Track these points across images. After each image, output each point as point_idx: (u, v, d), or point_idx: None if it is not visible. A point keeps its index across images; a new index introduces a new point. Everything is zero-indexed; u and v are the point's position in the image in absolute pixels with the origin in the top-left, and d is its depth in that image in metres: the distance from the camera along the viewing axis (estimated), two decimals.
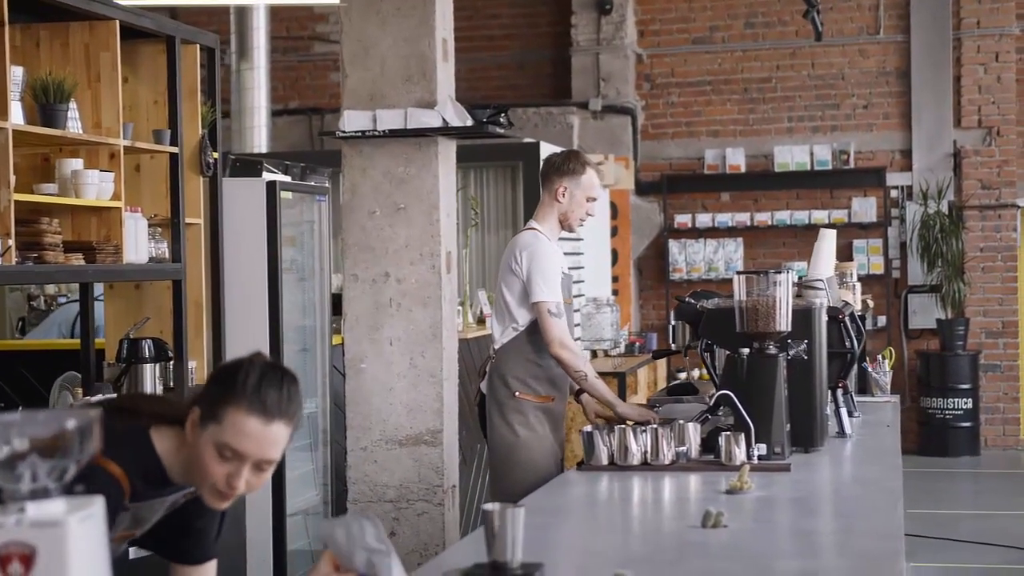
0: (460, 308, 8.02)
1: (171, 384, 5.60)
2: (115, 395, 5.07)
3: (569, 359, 5.05)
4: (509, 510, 2.76)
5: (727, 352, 4.58)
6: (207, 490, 2.62)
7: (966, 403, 12.15)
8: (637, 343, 10.97)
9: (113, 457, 2.56)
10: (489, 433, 5.24)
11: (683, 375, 11.95)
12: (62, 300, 9.19)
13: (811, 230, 12.47)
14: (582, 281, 10.39)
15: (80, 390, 5.45)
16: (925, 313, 12.48)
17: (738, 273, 4.50)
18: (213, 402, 2.58)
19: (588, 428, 4.38)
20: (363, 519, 2.61)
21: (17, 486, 1.79)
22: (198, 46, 5.89)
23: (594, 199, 5.29)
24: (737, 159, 12.74)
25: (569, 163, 5.27)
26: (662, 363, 11.31)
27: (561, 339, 5.02)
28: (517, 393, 5.15)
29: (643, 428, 4.32)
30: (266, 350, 6.28)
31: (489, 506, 2.76)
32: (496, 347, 5.24)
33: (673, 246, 12.82)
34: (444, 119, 5.89)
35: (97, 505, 1.83)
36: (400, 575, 2.62)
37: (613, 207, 12.30)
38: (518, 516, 2.76)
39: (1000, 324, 12.51)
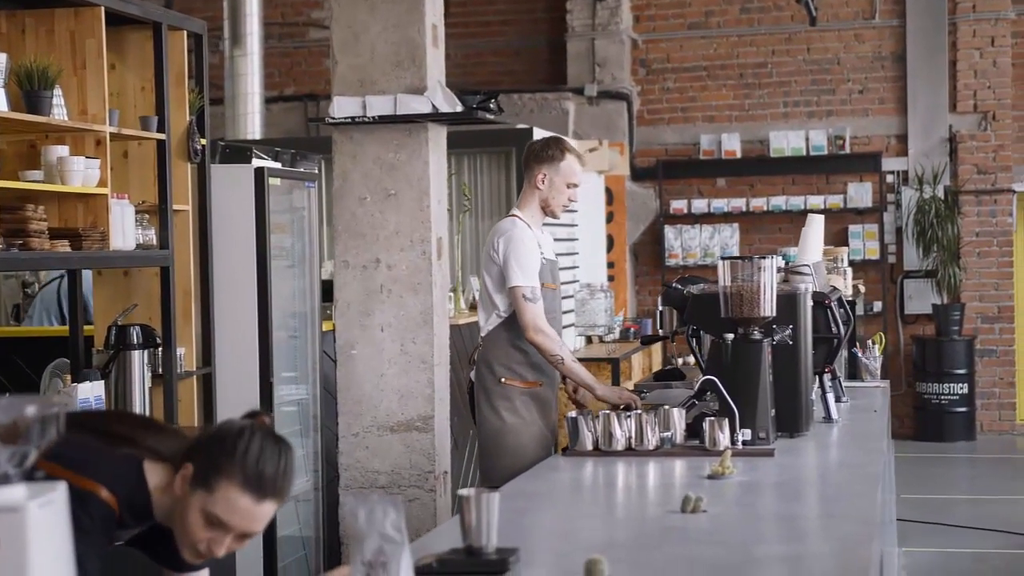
0: (452, 294, 8.02)
1: (159, 371, 5.60)
2: (114, 411, 5.00)
3: (544, 343, 5.05)
4: (484, 495, 2.77)
5: (712, 337, 4.58)
6: (186, 547, 2.62)
7: (962, 388, 12.15)
8: (632, 329, 10.97)
9: (105, 483, 2.56)
10: (477, 420, 5.26)
11: (679, 361, 11.96)
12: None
13: (807, 216, 12.43)
14: (576, 267, 10.39)
15: (68, 376, 5.45)
16: (921, 298, 12.47)
17: (723, 258, 4.50)
18: (208, 466, 2.57)
19: (573, 414, 4.38)
20: (388, 504, 2.61)
21: None
22: (185, 32, 5.88)
23: (575, 185, 5.29)
24: (733, 144, 12.73)
25: (548, 150, 5.27)
26: (657, 349, 11.32)
27: (535, 324, 5.04)
28: (503, 379, 5.17)
29: (628, 414, 4.32)
30: (256, 336, 6.33)
31: (464, 491, 2.77)
32: (482, 334, 5.27)
33: (669, 232, 12.82)
34: (434, 105, 5.89)
35: (59, 491, 1.84)
36: (408, 568, 2.62)
37: (609, 193, 12.30)
38: (493, 501, 2.77)
39: (996, 309, 12.51)
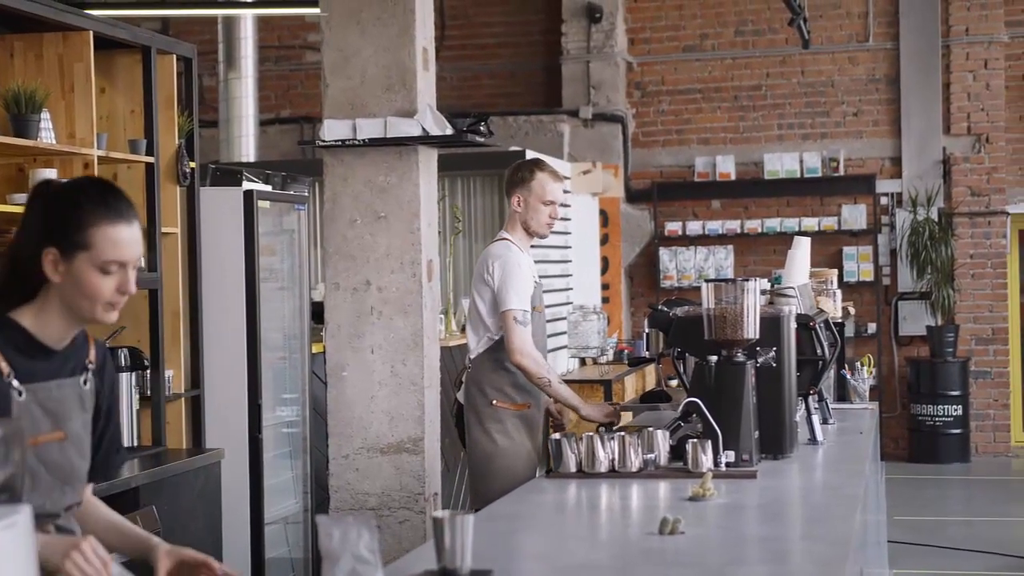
0: (443, 316, 8.04)
1: (148, 393, 5.61)
2: None
3: (530, 367, 5.09)
4: (458, 518, 2.78)
5: (696, 359, 4.60)
6: (99, 309, 2.68)
7: (956, 410, 12.15)
8: (627, 351, 10.97)
9: None
10: (468, 442, 5.28)
11: (674, 382, 11.96)
12: None
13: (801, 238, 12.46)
14: (570, 289, 10.41)
15: None
16: (915, 320, 12.49)
17: (706, 281, 4.51)
18: (69, 235, 2.64)
19: (556, 436, 4.39)
20: (363, 526, 2.63)
21: None
22: (175, 56, 5.91)
23: (551, 202, 5.33)
24: (727, 167, 12.76)
25: (519, 172, 5.39)
26: (651, 370, 11.32)
27: (521, 348, 5.07)
28: (494, 402, 5.20)
29: (611, 435, 4.33)
30: (244, 358, 6.34)
31: (438, 514, 2.78)
32: (472, 356, 5.30)
33: (664, 254, 12.84)
34: (424, 128, 5.91)
35: (23, 514, 1.85)
36: None
37: (604, 215, 12.33)
38: (467, 523, 2.78)
39: (990, 331, 12.52)
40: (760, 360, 4.49)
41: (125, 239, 2.67)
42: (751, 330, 4.43)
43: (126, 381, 5.46)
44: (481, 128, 6.30)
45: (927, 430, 12.14)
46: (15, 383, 2.66)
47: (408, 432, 5.89)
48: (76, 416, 2.77)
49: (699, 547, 3.21)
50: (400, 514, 5.72)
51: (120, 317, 5.69)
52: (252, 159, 10.23)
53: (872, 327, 12.44)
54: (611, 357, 10.50)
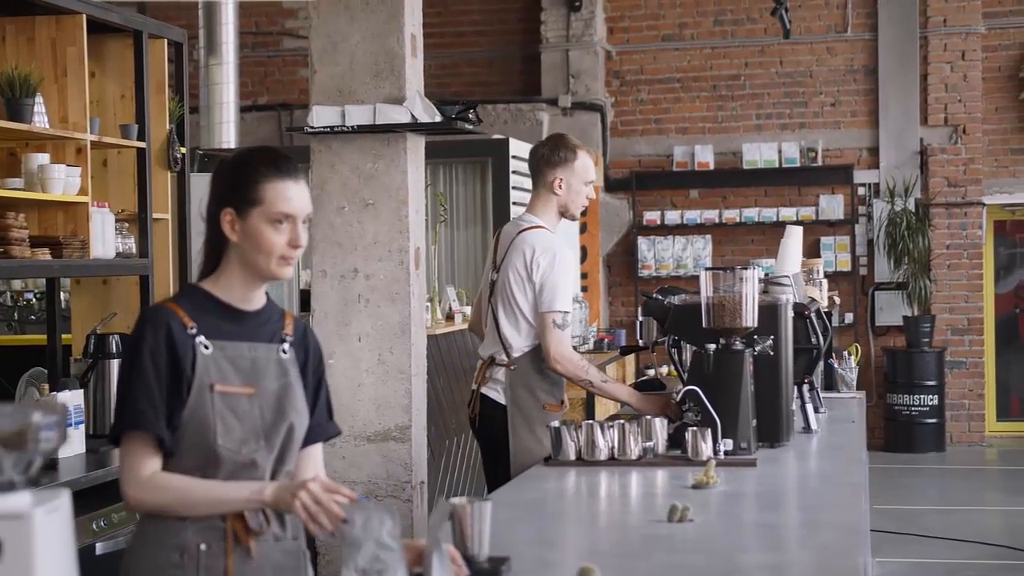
0: (428, 304, 8.02)
1: None
2: None
3: (569, 370, 4.83)
4: (476, 504, 2.77)
5: (694, 348, 4.60)
6: (273, 263, 2.86)
7: (932, 399, 12.23)
8: (606, 340, 10.99)
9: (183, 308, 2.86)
10: (514, 445, 4.97)
11: (651, 371, 11.99)
12: (28, 296, 9.14)
13: (779, 227, 12.47)
14: None
15: (46, 386, 5.42)
16: (892, 310, 12.55)
17: (705, 269, 4.52)
18: (242, 193, 2.84)
19: (555, 423, 4.38)
20: (385, 513, 2.63)
21: None
22: (166, 41, 5.87)
23: (591, 182, 5.07)
24: (706, 156, 12.79)
25: (559, 152, 5.02)
26: (631, 359, 11.35)
27: (558, 351, 4.81)
28: (546, 405, 4.97)
29: (610, 424, 4.32)
30: None
31: (456, 500, 2.77)
32: (515, 354, 4.97)
33: (642, 243, 12.86)
34: (413, 115, 5.89)
35: (63, 498, 1.83)
36: None
37: None
38: (485, 510, 2.77)
39: (966, 321, 12.60)
40: (758, 348, 4.49)
41: (294, 194, 2.86)
42: (750, 318, 4.44)
43: (117, 368, 5.42)
44: (470, 115, 6.29)
45: (903, 419, 12.21)
46: (201, 338, 2.83)
47: (395, 420, 5.88)
48: (271, 379, 2.91)
49: (710, 534, 3.22)
50: (387, 502, 5.72)
51: (110, 303, 5.69)
52: (233, 145, 10.16)
53: (849, 317, 12.51)
54: (591, 346, 10.51)
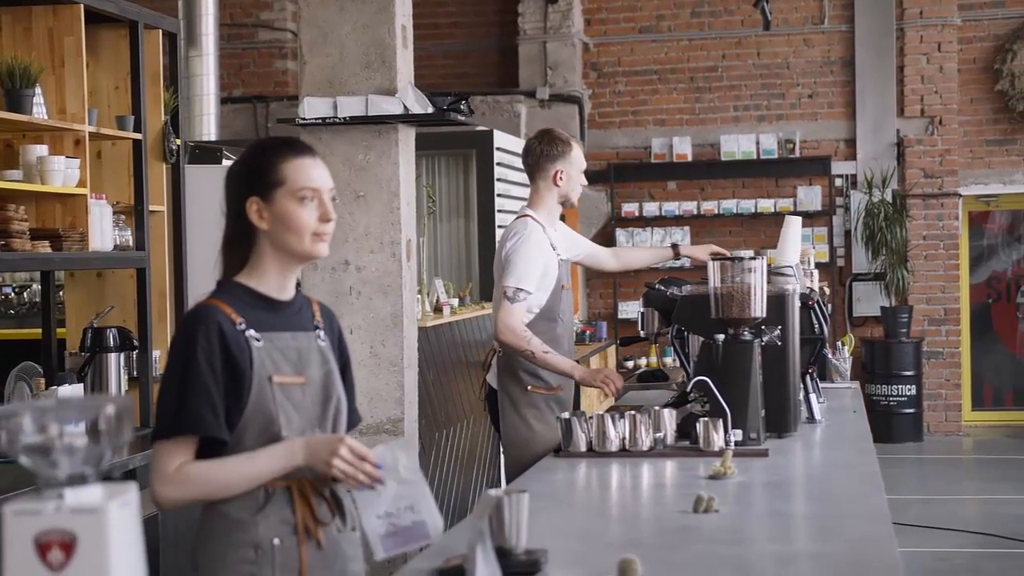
0: (418, 296, 7.99)
1: (135, 374, 5.53)
2: None
3: (511, 341, 4.97)
4: (515, 495, 2.75)
5: (701, 339, 4.59)
6: (307, 241, 2.84)
7: (909, 390, 12.30)
8: (588, 332, 10.99)
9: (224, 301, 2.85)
10: (502, 426, 5.14)
11: (632, 362, 12.00)
12: (7, 290, 9.04)
13: (757, 219, 12.57)
14: None
15: (42, 380, 5.37)
16: (869, 301, 12.61)
17: (713, 259, 4.51)
18: (264, 178, 2.84)
19: (566, 415, 4.37)
20: (399, 449, 2.65)
21: (54, 472, 1.76)
22: (160, 31, 5.81)
23: (584, 168, 5.34)
24: (684, 148, 12.79)
25: (556, 146, 5.23)
26: (611, 351, 11.35)
27: (503, 323, 4.95)
28: (529, 387, 5.10)
29: (620, 415, 4.32)
30: None
31: (494, 492, 2.75)
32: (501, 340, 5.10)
33: (621, 235, 12.86)
34: (405, 106, 5.87)
35: (133, 492, 1.81)
36: (432, 505, 2.64)
37: None
38: (523, 502, 2.76)
39: (942, 311, 12.67)
40: (766, 339, 4.49)
41: (313, 168, 2.86)
42: (758, 309, 4.44)
43: (115, 361, 5.38)
44: (462, 107, 6.27)
45: (881, 410, 12.26)
46: (251, 332, 2.82)
47: (387, 413, 5.87)
48: (316, 367, 2.89)
49: (738, 525, 3.22)
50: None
51: (105, 296, 5.64)
52: (214, 138, 10.09)
53: (828, 308, 12.53)
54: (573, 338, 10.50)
